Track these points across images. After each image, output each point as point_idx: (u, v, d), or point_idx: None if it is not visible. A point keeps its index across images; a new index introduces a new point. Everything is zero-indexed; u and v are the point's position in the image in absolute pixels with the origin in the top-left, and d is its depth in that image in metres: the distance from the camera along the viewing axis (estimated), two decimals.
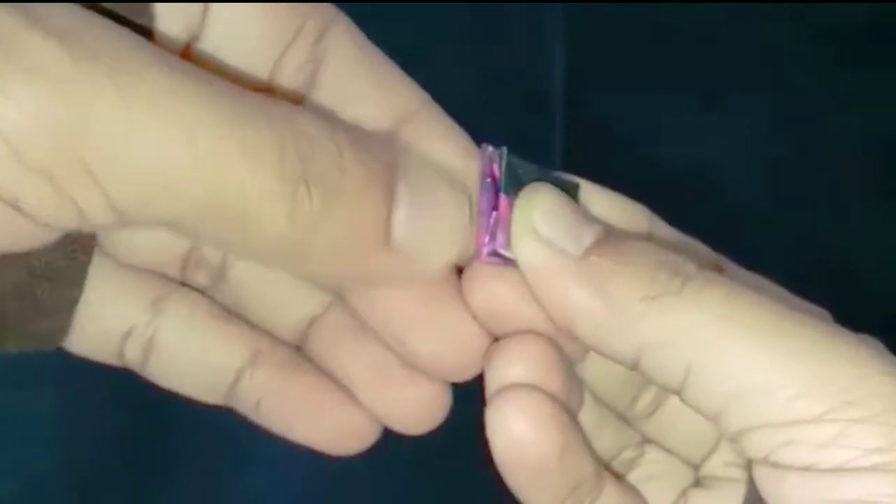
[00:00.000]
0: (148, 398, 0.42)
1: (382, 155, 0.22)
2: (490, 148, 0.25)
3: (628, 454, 0.28)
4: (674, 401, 0.24)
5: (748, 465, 0.22)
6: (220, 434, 0.44)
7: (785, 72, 0.56)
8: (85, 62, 0.18)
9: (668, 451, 0.27)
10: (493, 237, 0.23)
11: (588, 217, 0.24)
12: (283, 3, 0.23)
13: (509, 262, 0.23)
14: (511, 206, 0.24)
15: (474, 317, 0.24)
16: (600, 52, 0.58)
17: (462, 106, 0.62)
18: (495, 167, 0.24)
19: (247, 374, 0.26)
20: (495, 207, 0.23)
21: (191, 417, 0.44)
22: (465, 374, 0.25)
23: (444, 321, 0.24)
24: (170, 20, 0.22)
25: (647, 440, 0.28)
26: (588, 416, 0.26)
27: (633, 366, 0.22)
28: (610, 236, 0.23)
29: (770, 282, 0.26)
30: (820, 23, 0.58)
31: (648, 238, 0.25)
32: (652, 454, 0.28)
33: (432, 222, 0.22)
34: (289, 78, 0.23)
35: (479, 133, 0.60)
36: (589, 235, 0.23)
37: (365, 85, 0.24)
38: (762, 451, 0.21)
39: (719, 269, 0.25)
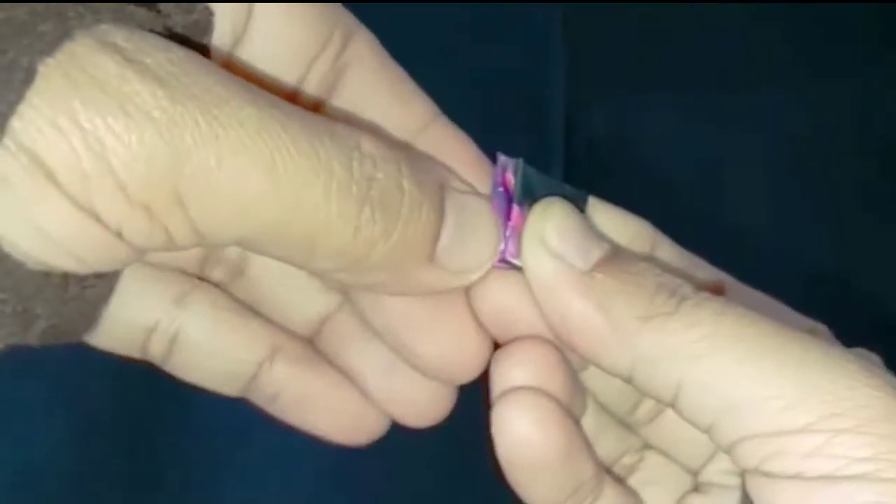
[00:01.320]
0: (148, 393, 0.42)
1: (432, 175, 0.23)
2: (503, 157, 0.26)
3: (629, 459, 0.28)
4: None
5: (742, 474, 0.23)
6: (221, 434, 0.45)
7: (786, 73, 0.57)
8: (182, 102, 0.20)
9: (668, 457, 0.28)
10: (504, 246, 0.24)
11: (597, 234, 0.25)
12: (316, 10, 0.24)
13: (517, 271, 0.24)
14: (523, 216, 0.25)
15: (478, 321, 0.25)
16: (600, 53, 0.58)
17: (462, 106, 0.62)
18: (508, 176, 0.25)
19: (266, 368, 0.27)
20: (507, 216, 0.25)
21: (191, 415, 0.44)
22: (466, 378, 0.26)
23: (446, 325, 0.25)
24: (218, 28, 0.23)
25: (647, 446, 0.28)
26: (590, 420, 0.27)
27: (628, 380, 0.23)
28: (616, 255, 0.24)
29: (770, 298, 0.27)
30: (821, 24, 0.58)
31: (651, 254, 0.26)
32: (652, 459, 0.28)
33: (472, 241, 0.24)
34: (314, 85, 0.25)
35: (479, 133, 0.60)
36: (596, 252, 0.24)
37: (385, 96, 0.25)
38: (753, 461, 0.22)
39: (720, 286, 0.26)
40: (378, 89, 0.25)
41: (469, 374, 0.25)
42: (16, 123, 0.19)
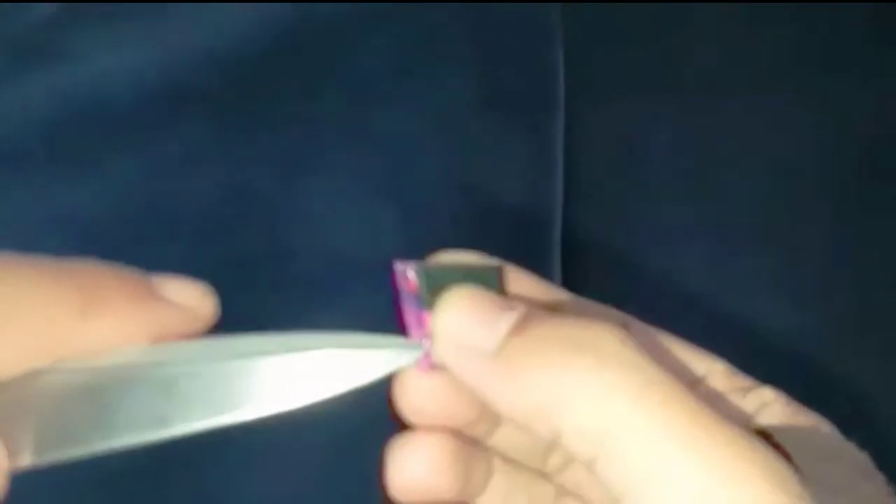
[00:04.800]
0: None
1: None
2: (400, 264, 0.26)
3: None
4: None
5: None
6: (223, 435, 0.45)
7: (786, 74, 0.57)
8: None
9: (583, 501, 0.28)
10: (424, 350, 0.25)
11: (505, 304, 0.25)
12: None
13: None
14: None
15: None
16: (600, 53, 0.58)
17: (461, 106, 0.63)
18: (411, 282, 0.26)
19: None
20: (421, 320, 0.25)
21: None
22: None
23: None
24: None
25: (563, 492, 0.29)
26: (500, 480, 0.28)
27: (552, 445, 0.25)
28: (528, 316, 0.25)
29: (672, 337, 0.28)
30: (822, 24, 0.58)
31: (561, 310, 0.27)
32: None
33: None
34: None
35: (478, 134, 0.60)
36: (504, 326, 0.24)
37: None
38: None
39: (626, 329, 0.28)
40: None
41: None
42: None
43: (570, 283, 0.49)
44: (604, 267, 0.49)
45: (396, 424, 0.28)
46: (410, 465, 0.27)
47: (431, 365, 0.25)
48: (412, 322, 0.26)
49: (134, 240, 0.51)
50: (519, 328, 0.24)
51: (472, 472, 0.27)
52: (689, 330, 0.48)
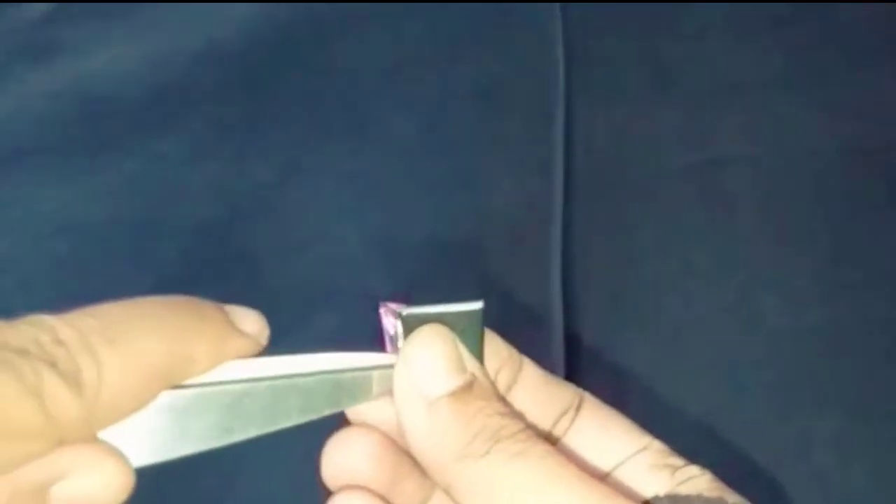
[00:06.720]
0: None
1: None
2: (384, 307, 0.29)
3: None
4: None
5: None
6: None
7: (787, 75, 0.56)
8: None
9: None
10: None
11: (458, 366, 0.28)
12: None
13: None
14: None
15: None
16: (600, 53, 0.58)
17: (461, 106, 0.63)
18: (392, 324, 0.28)
19: None
20: None
21: None
22: None
23: None
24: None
25: None
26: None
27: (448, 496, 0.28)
28: (466, 390, 0.28)
29: (619, 414, 0.31)
30: (821, 26, 0.58)
31: (518, 372, 0.30)
32: None
33: None
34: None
35: (479, 134, 0.60)
36: (450, 384, 0.28)
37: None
38: None
39: (579, 403, 0.31)
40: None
41: None
42: None
43: (569, 282, 0.48)
44: (604, 267, 0.49)
45: None
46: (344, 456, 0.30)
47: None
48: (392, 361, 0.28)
49: (130, 238, 0.51)
50: (461, 392, 0.27)
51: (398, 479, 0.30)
52: (689, 330, 0.48)
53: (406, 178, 0.53)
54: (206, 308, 0.27)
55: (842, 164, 0.52)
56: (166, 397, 0.25)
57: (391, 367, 0.28)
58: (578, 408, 0.30)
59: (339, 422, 0.30)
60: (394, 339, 0.28)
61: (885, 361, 0.46)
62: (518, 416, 0.28)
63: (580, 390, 0.31)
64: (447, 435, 0.27)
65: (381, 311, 0.29)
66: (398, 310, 0.28)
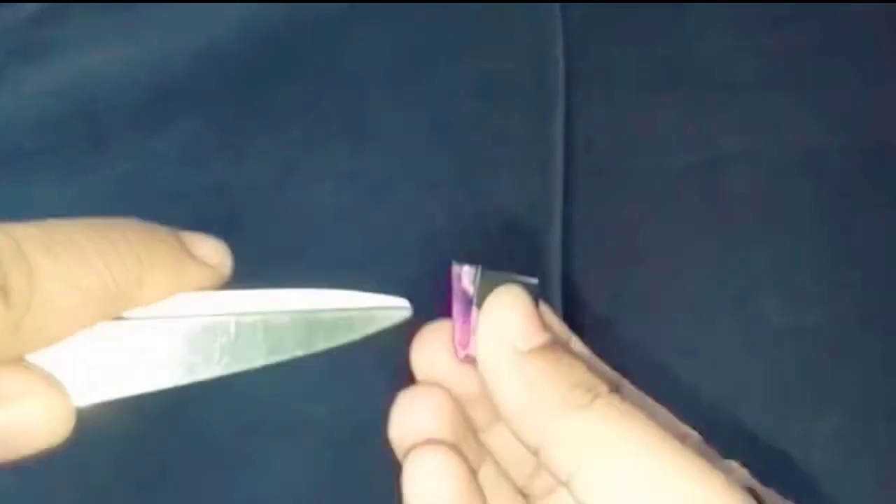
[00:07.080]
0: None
1: None
2: (457, 267, 0.29)
3: None
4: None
5: None
6: (225, 437, 0.45)
7: (786, 75, 0.56)
8: None
9: None
10: (464, 345, 0.29)
11: (540, 323, 0.28)
12: None
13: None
14: None
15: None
16: (600, 53, 0.58)
17: (461, 105, 0.62)
18: (466, 283, 0.29)
19: None
20: (468, 318, 0.29)
21: (194, 416, 0.44)
22: None
23: None
24: None
25: None
26: (487, 476, 0.30)
27: (535, 453, 0.26)
28: (553, 345, 0.27)
29: (655, 403, 0.30)
30: (821, 26, 0.58)
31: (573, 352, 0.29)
32: None
33: None
34: None
35: (479, 133, 0.60)
36: (538, 339, 0.27)
37: None
38: None
39: (618, 386, 0.30)
40: None
41: None
42: None
43: (569, 282, 0.48)
44: (604, 267, 0.49)
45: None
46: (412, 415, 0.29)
47: (468, 357, 0.28)
48: (459, 318, 0.29)
49: None
50: (552, 346, 0.27)
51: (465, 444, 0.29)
52: (689, 330, 0.48)
53: (406, 177, 0.53)
54: (159, 231, 0.25)
55: (842, 164, 0.52)
56: (113, 326, 0.23)
57: (385, 308, 0.27)
58: (618, 391, 0.29)
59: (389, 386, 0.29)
60: (460, 296, 0.29)
61: (885, 361, 0.46)
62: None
63: (618, 375, 0.31)
64: (545, 385, 0.26)
65: (453, 269, 0.29)
66: (471, 269, 0.28)
